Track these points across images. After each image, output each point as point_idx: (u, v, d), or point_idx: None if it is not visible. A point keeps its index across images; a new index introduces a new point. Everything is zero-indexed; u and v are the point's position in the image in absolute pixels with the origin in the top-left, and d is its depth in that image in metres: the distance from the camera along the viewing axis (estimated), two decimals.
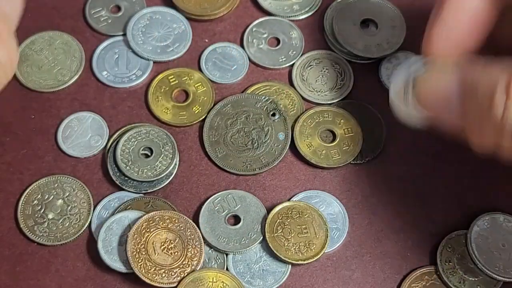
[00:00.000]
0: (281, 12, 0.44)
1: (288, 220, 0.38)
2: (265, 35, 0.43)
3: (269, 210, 0.38)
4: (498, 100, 0.24)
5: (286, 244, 0.37)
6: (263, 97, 0.41)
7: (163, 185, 0.39)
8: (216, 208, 0.38)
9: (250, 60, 0.43)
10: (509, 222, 0.38)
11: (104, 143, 0.40)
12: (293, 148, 0.40)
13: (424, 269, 0.38)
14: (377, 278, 0.37)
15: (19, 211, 0.38)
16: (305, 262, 0.37)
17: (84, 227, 0.38)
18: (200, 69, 0.42)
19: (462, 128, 0.27)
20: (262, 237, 0.37)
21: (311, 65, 0.42)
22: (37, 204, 0.38)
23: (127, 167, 0.39)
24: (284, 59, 0.43)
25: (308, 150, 0.40)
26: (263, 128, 0.40)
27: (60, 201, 0.38)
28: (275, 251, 0.37)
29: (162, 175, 0.39)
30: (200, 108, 0.41)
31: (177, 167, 0.39)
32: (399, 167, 0.40)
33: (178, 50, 0.43)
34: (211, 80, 0.42)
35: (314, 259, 0.37)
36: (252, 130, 0.40)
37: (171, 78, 0.42)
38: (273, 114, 0.41)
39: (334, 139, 0.40)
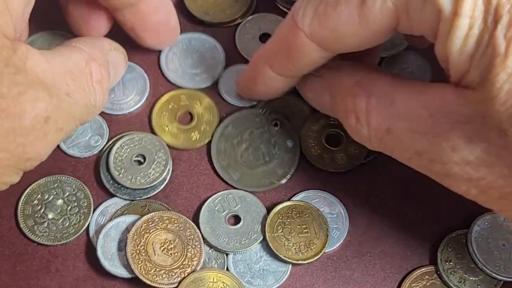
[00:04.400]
0: None
1: (289, 220, 0.38)
2: (257, 31, 0.43)
3: (269, 210, 0.38)
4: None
5: (286, 244, 0.37)
6: (261, 110, 0.40)
7: (156, 192, 0.38)
8: (216, 208, 0.38)
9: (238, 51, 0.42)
10: (510, 221, 0.38)
11: (104, 143, 0.40)
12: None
13: (425, 268, 0.38)
14: (377, 277, 0.37)
15: (19, 211, 0.38)
16: (306, 261, 0.37)
17: (84, 227, 0.38)
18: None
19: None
20: (262, 237, 0.37)
21: None
22: (37, 204, 0.38)
23: (120, 175, 0.38)
24: None
25: (314, 154, 0.40)
26: (269, 141, 0.40)
27: (60, 201, 0.38)
28: (275, 251, 0.37)
29: (156, 182, 0.38)
30: (198, 136, 0.40)
31: (170, 173, 0.39)
32: (399, 167, 0.40)
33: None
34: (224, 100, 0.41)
35: (315, 259, 0.37)
36: (260, 145, 0.40)
37: (182, 97, 0.41)
38: (275, 124, 0.40)
39: (340, 143, 0.40)
